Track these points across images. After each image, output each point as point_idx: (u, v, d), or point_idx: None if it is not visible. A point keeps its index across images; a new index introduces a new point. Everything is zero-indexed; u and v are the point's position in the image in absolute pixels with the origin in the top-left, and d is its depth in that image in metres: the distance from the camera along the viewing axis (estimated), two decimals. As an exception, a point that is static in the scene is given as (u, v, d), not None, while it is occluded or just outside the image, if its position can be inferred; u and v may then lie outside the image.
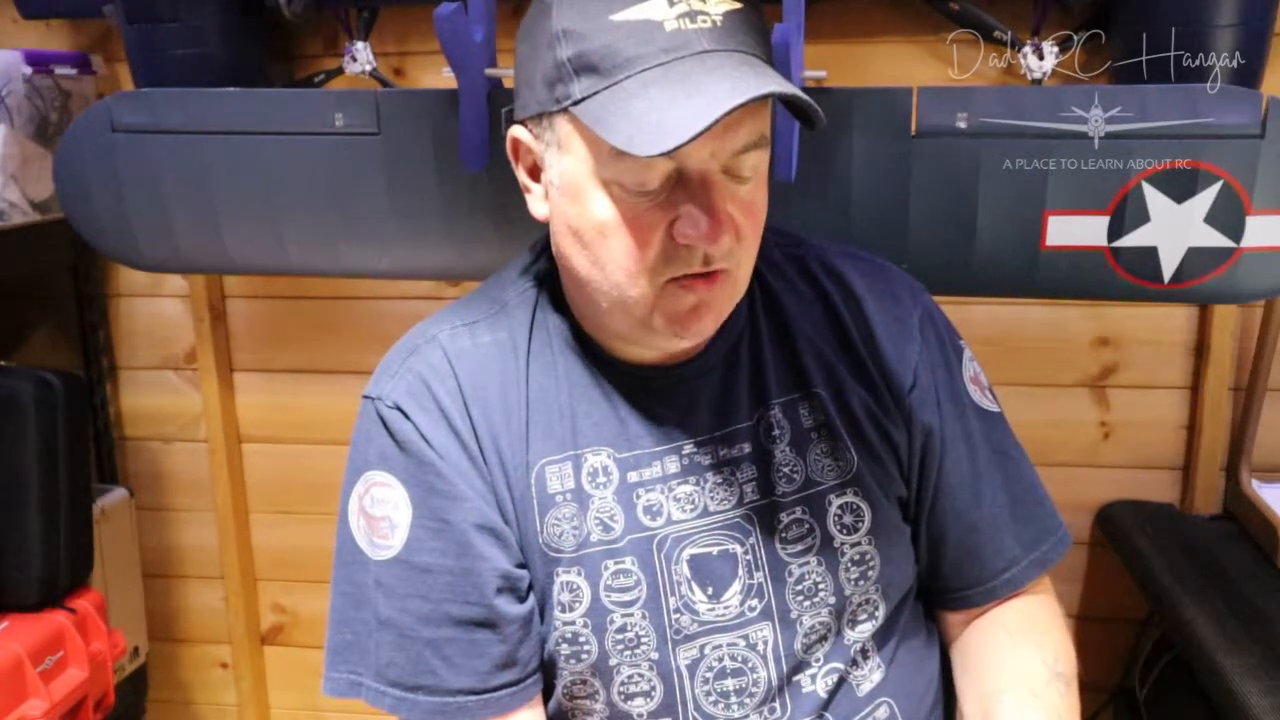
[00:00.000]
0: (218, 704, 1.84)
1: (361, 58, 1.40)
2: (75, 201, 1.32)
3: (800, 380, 0.86)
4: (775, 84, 0.68)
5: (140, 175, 1.28)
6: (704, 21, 0.70)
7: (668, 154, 0.66)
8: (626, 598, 0.81)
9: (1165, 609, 1.28)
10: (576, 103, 0.71)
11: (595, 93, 0.70)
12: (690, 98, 0.67)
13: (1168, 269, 1.13)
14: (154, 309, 1.69)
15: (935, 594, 0.93)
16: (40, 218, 1.47)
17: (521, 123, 0.79)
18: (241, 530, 1.73)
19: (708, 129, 0.65)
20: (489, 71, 1.13)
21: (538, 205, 0.80)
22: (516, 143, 0.80)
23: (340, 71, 1.42)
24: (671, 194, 0.72)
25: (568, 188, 0.75)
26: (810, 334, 0.87)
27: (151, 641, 1.74)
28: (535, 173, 0.80)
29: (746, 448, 0.84)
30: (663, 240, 0.73)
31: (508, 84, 1.18)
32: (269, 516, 1.74)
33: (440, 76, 1.15)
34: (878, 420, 0.86)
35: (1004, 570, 0.89)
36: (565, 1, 0.72)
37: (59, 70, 1.47)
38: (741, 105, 0.66)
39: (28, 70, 1.41)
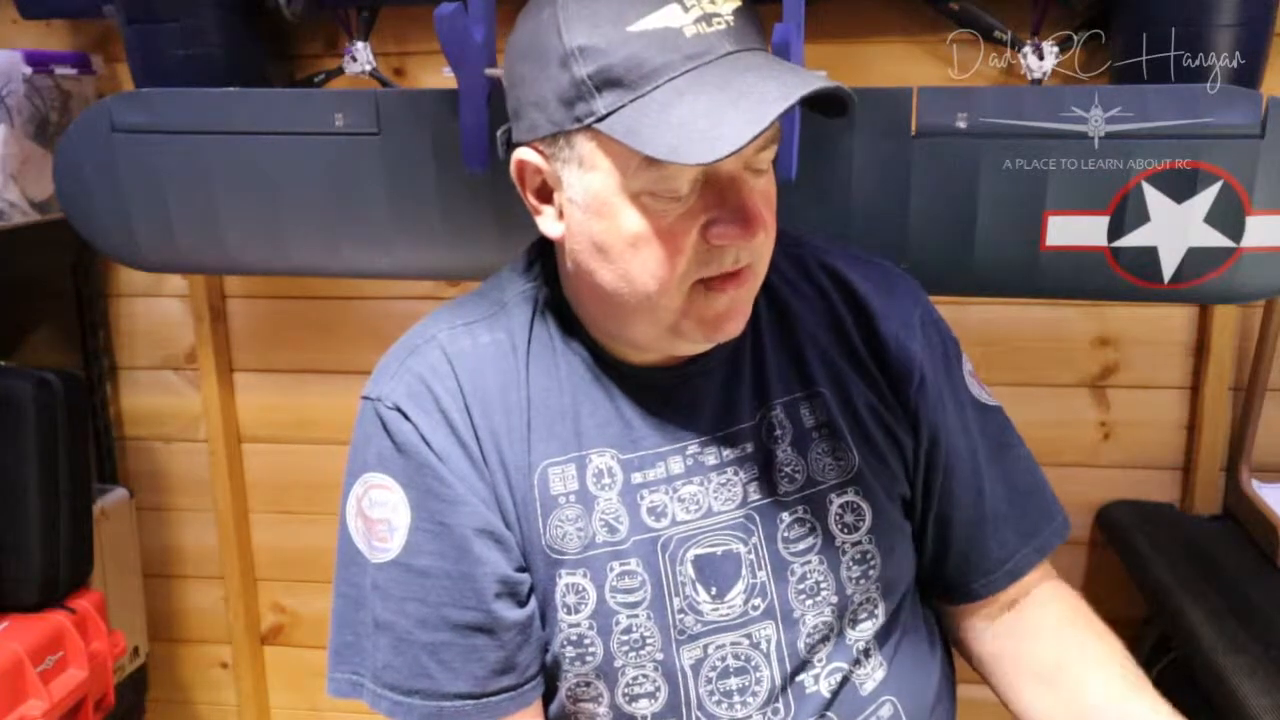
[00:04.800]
0: (218, 704, 1.84)
1: (361, 58, 1.40)
2: (75, 201, 1.31)
3: (803, 379, 0.86)
4: (817, 81, 0.69)
5: (140, 175, 1.28)
6: (719, 24, 0.70)
7: (721, 160, 0.66)
8: (632, 599, 0.81)
9: (1165, 609, 1.28)
10: (601, 119, 0.70)
11: (621, 106, 0.70)
12: (737, 101, 0.67)
13: (1168, 269, 1.13)
14: (154, 309, 1.69)
15: (938, 589, 0.93)
16: (40, 218, 1.47)
17: (528, 144, 0.77)
18: (241, 530, 1.73)
19: (764, 132, 0.65)
20: (489, 71, 1.13)
21: (550, 225, 0.79)
22: (523, 165, 0.78)
23: (340, 71, 1.42)
24: (700, 198, 0.73)
25: (593, 205, 0.74)
26: (814, 332, 0.87)
27: (151, 641, 1.74)
28: (544, 193, 0.79)
29: (749, 447, 0.85)
30: (695, 245, 0.73)
31: (508, 84, 1.18)
32: (269, 516, 1.74)
33: (440, 76, 1.15)
34: (882, 419, 0.86)
35: (1005, 561, 0.90)
36: (576, 18, 0.71)
37: (59, 70, 1.47)
38: (793, 105, 0.66)
39: (28, 70, 1.41)
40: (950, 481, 0.89)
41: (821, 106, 0.74)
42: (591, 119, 0.71)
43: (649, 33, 0.69)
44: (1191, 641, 1.19)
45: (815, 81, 0.68)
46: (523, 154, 0.78)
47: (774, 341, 0.87)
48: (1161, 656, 1.38)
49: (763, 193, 0.75)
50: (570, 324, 0.85)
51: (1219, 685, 1.11)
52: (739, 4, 0.72)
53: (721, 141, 0.66)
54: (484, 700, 0.80)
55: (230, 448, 1.70)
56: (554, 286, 0.86)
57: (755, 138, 0.65)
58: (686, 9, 0.70)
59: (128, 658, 1.61)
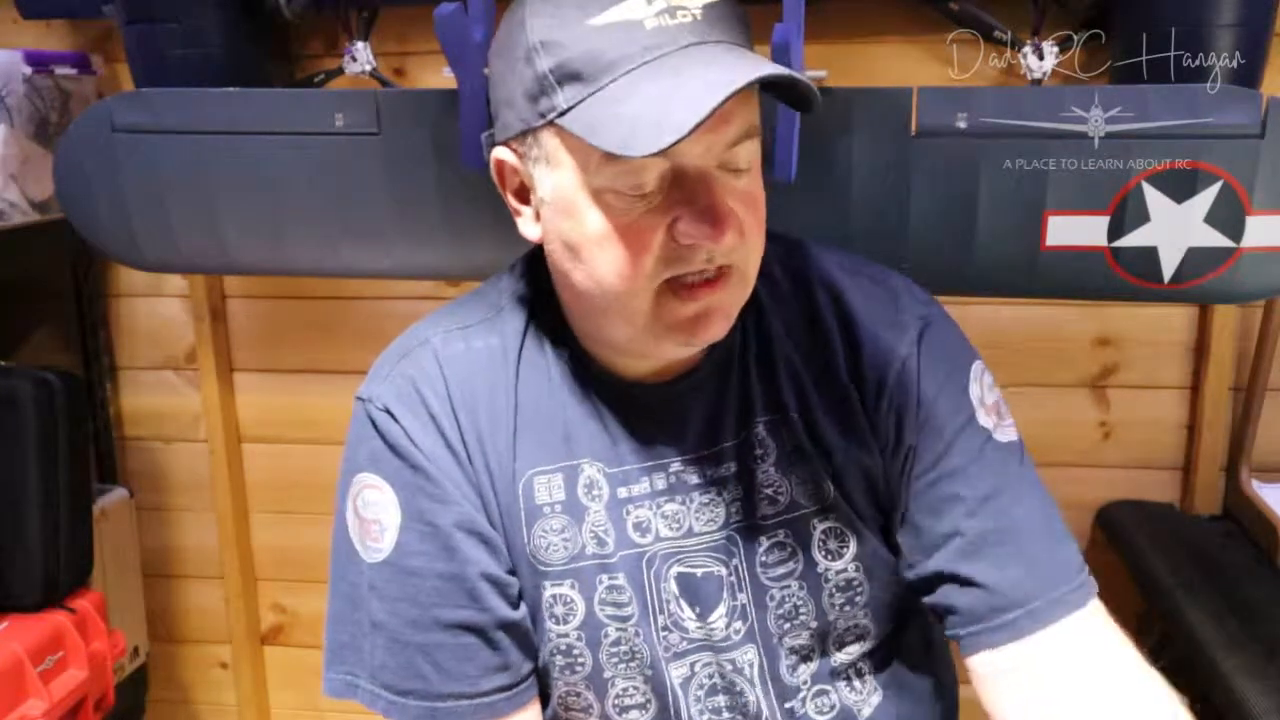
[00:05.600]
0: (218, 704, 1.84)
1: (361, 58, 1.40)
2: (75, 201, 1.31)
3: (779, 403, 0.83)
4: (770, 67, 0.66)
5: (140, 175, 1.28)
6: (684, 16, 0.68)
7: (666, 150, 0.64)
8: (621, 613, 0.81)
9: (1165, 609, 1.28)
10: (562, 114, 0.69)
11: (581, 100, 0.68)
12: (682, 89, 0.65)
13: (1168, 269, 1.12)
14: (154, 309, 1.69)
15: (953, 631, 0.81)
16: (40, 218, 1.47)
17: (504, 144, 0.77)
18: (241, 530, 1.73)
19: (706, 119, 0.63)
20: (489, 71, 1.13)
21: (528, 227, 0.78)
22: (501, 165, 0.78)
23: (340, 71, 1.42)
24: (668, 196, 0.70)
25: (559, 203, 0.73)
26: (791, 356, 0.83)
27: (151, 641, 1.74)
28: (522, 194, 0.78)
29: (732, 467, 0.83)
30: (663, 244, 0.71)
31: (508, 84, 1.18)
32: (269, 516, 1.74)
33: (440, 76, 1.15)
34: (851, 452, 0.82)
35: (1007, 609, 0.77)
36: (539, 14, 0.70)
37: (59, 70, 1.47)
38: (740, 90, 0.64)
39: (28, 70, 1.41)
40: (930, 507, 0.80)
41: (791, 98, 0.71)
42: (553, 114, 0.69)
43: (609, 26, 0.68)
44: (1191, 641, 1.19)
45: (766, 68, 0.66)
46: (499, 154, 0.77)
47: (757, 360, 0.84)
48: (1161, 656, 1.38)
49: (743, 193, 0.72)
50: (561, 331, 0.83)
51: (1219, 685, 1.11)
52: None
53: (665, 133, 0.63)
54: (477, 700, 0.79)
55: (230, 448, 1.69)
56: (548, 291, 0.84)
57: (699, 124, 0.63)
58: (650, 1, 0.68)
59: (128, 658, 1.61)
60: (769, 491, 0.82)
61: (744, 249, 0.73)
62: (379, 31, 1.43)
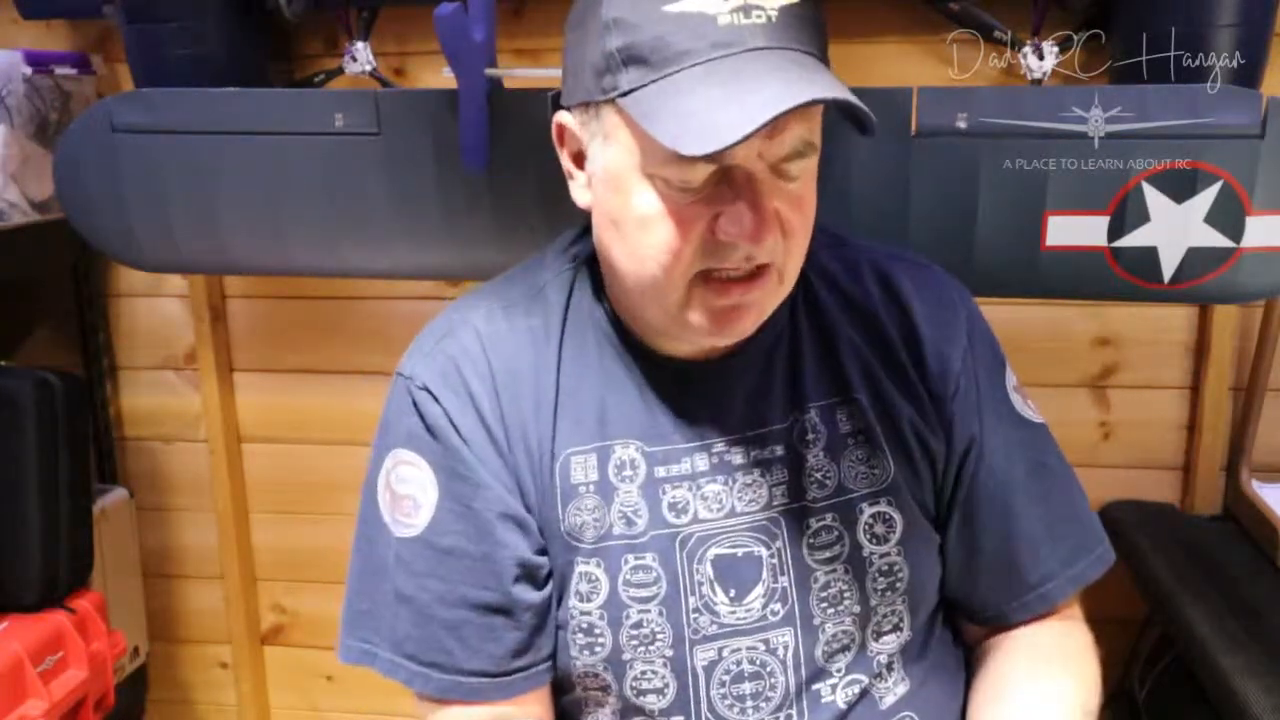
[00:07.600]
0: (218, 704, 1.84)
1: (361, 58, 1.40)
2: (75, 201, 1.31)
3: (840, 385, 0.85)
4: (825, 89, 0.67)
5: (140, 175, 1.28)
6: (759, 16, 0.69)
7: (711, 156, 0.66)
8: (644, 593, 0.81)
9: (1165, 609, 1.28)
10: (624, 94, 0.71)
11: (643, 85, 0.70)
12: (739, 98, 0.66)
13: (1168, 269, 1.13)
14: (154, 309, 1.69)
15: (968, 610, 0.91)
16: (40, 218, 1.47)
17: (568, 109, 0.79)
18: (241, 530, 1.73)
19: (753, 134, 0.64)
20: (489, 71, 1.13)
21: (580, 193, 0.80)
22: (562, 129, 0.80)
23: (340, 71, 1.42)
24: (716, 189, 0.72)
25: (611, 179, 0.75)
26: (852, 338, 0.85)
27: (151, 641, 1.74)
28: (580, 160, 0.80)
29: (779, 450, 0.84)
30: (703, 236, 0.72)
31: (508, 84, 1.18)
32: (269, 516, 1.74)
33: (440, 76, 1.15)
34: (917, 428, 0.85)
35: (1037, 585, 0.87)
36: None
37: (59, 70, 1.47)
38: (790, 110, 0.65)
39: (28, 70, 1.41)
40: (983, 494, 0.86)
41: (850, 116, 0.72)
42: (615, 93, 0.71)
43: (682, 15, 0.68)
44: (1191, 641, 1.19)
45: (821, 90, 0.67)
46: (562, 117, 0.79)
47: (811, 343, 0.85)
48: (1162, 656, 1.38)
49: (792, 195, 0.74)
50: (606, 310, 0.84)
51: (1219, 685, 1.11)
52: (791, 0, 0.70)
53: (712, 139, 0.65)
54: (500, 679, 0.81)
55: (230, 448, 1.69)
56: (595, 267, 0.85)
57: (741, 140, 0.64)
58: None
59: (128, 658, 1.61)
60: (818, 476, 0.83)
61: (785, 249, 0.75)
62: (379, 31, 1.43)
